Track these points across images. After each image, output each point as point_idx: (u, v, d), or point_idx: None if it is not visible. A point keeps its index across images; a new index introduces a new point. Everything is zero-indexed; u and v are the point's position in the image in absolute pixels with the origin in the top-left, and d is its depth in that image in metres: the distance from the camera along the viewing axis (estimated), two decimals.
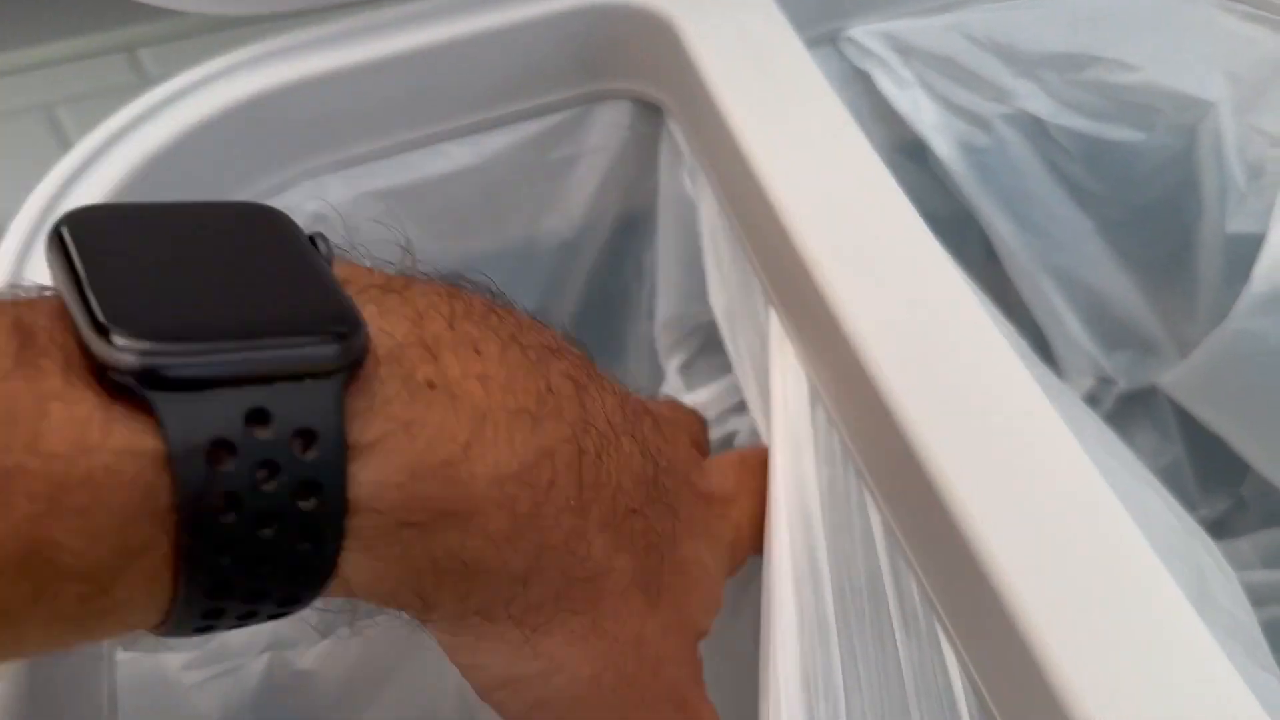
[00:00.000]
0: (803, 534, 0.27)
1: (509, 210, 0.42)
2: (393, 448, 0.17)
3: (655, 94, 0.40)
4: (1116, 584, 0.21)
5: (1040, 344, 0.45)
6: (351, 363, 0.17)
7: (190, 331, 0.16)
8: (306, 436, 0.16)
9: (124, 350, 0.15)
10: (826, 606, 0.25)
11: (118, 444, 0.15)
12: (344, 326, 0.17)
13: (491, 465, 0.19)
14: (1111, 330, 0.44)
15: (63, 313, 0.16)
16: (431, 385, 0.19)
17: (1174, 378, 0.42)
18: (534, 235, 0.44)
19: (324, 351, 0.17)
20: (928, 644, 0.24)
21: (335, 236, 0.21)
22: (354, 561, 0.18)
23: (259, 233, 0.19)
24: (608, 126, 0.42)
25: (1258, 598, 0.44)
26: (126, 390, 0.15)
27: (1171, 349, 0.44)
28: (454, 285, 0.22)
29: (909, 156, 0.44)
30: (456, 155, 0.40)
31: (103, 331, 0.15)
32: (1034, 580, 0.21)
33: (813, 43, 0.37)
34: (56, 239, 0.17)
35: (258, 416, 0.16)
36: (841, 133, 0.32)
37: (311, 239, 0.20)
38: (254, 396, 0.16)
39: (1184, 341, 0.44)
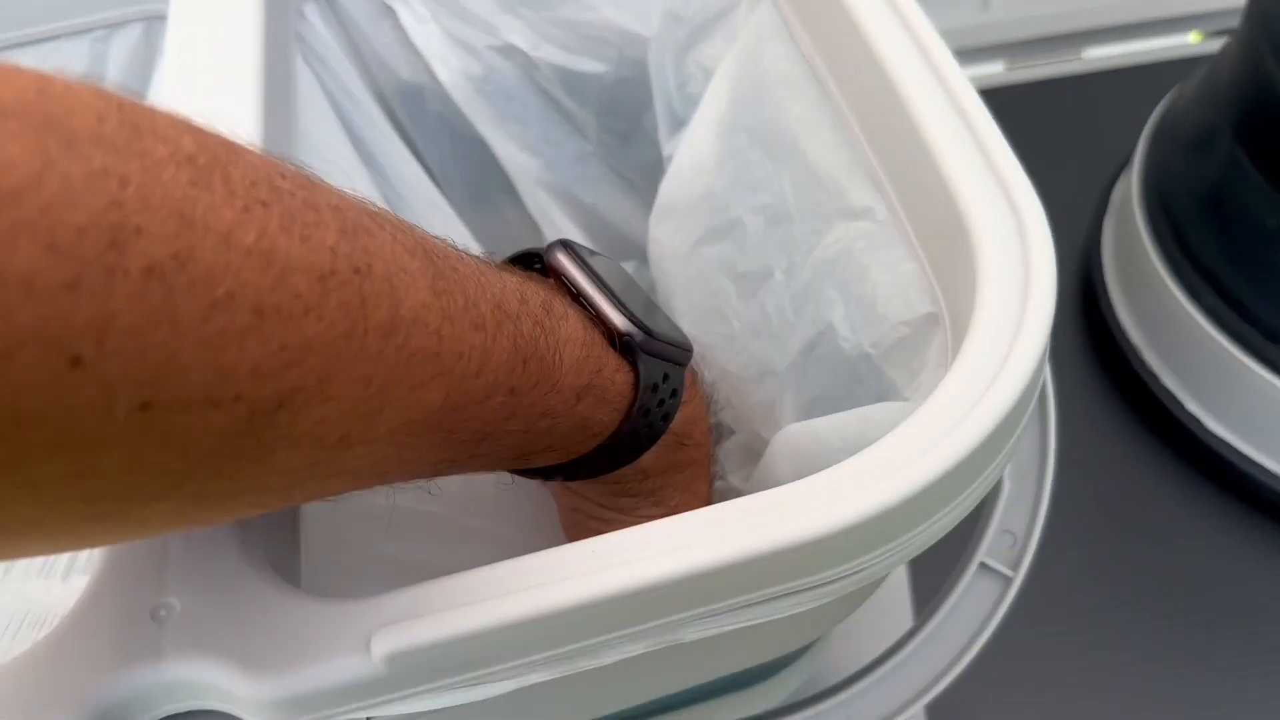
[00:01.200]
0: None
1: None
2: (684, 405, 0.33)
3: None
4: None
5: None
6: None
7: (657, 333, 0.30)
8: (676, 393, 0.31)
9: (638, 333, 0.30)
10: None
11: (620, 375, 0.30)
12: (688, 345, 0.33)
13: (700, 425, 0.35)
14: (615, 244, 0.49)
15: (568, 297, 0.30)
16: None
17: None
18: None
19: (688, 356, 0.32)
20: None
21: None
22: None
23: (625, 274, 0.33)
24: None
25: None
26: (626, 351, 0.30)
27: None
28: None
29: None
30: None
31: (632, 320, 0.30)
32: None
33: None
34: (566, 250, 0.30)
35: (666, 379, 0.31)
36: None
37: None
38: (669, 370, 0.31)
39: None
